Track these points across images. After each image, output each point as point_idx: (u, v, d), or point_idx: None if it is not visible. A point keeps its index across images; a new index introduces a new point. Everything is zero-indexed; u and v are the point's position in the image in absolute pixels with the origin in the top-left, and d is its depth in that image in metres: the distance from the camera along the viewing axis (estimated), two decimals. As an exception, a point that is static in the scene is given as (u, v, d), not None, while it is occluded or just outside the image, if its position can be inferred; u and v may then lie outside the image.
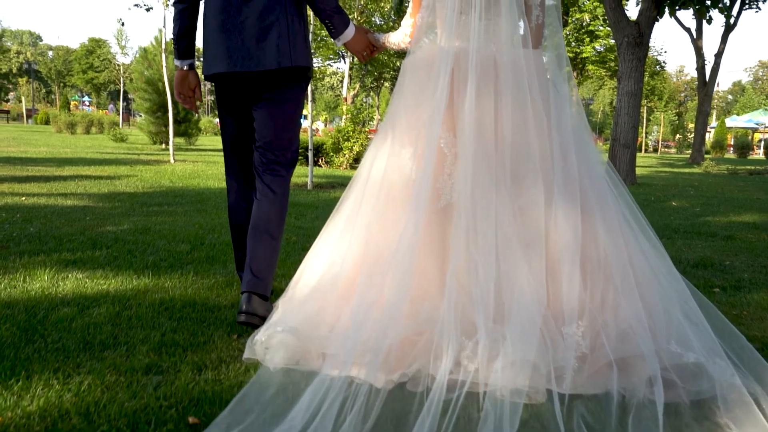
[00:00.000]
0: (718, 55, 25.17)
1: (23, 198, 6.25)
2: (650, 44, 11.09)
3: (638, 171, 11.94)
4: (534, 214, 2.21)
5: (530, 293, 2.08)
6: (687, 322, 2.14)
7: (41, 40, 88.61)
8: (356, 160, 12.46)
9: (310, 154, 8.90)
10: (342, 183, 9.35)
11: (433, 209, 2.25)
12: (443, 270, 2.18)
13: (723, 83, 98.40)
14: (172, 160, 12.39)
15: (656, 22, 10.73)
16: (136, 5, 11.65)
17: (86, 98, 76.49)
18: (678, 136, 54.06)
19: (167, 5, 11.51)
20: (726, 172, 18.33)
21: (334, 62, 35.10)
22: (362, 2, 20.07)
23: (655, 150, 46.53)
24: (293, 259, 3.85)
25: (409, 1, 2.58)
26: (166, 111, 14.81)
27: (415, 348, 2.02)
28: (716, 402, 1.89)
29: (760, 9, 23.82)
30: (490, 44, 2.30)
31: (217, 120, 8.86)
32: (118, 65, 55.10)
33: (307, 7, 2.72)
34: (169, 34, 12.07)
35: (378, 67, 36.38)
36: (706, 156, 26.35)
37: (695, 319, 2.16)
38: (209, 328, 2.52)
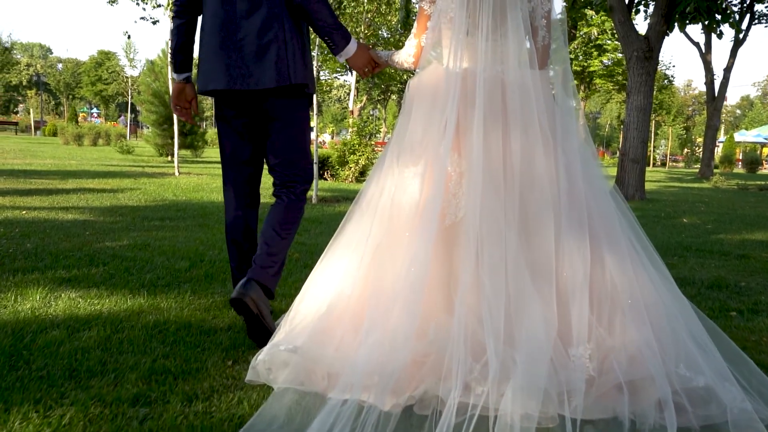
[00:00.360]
0: (727, 70, 25.03)
1: (24, 212, 6.17)
2: (659, 58, 10.97)
3: (647, 186, 11.79)
4: (541, 237, 2.18)
5: (540, 317, 2.04)
6: (695, 346, 2.11)
7: (51, 53, 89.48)
8: (362, 173, 12.38)
9: (315, 167, 8.81)
10: (347, 197, 9.24)
11: (440, 228, 2.22)
12: (448, 287, 2.15)
13: (731, 98, 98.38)
14: (176, 173, 12.34)
15: (666, 37, 10.64)
16: (142, 18, 11.64)
17: (95, 110, 77.02)
18: (686, 150, 53.85)
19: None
20: (736, 188, 18.14)
21: (341, 75, 35.17)
22: (369, 16, 20.07)
23: (663, 164, 46.34)
24: (295, 278, 3.74)
25: (415, 15, 2.53)
26: (172, 123, 14.78)
27: (421, 370, 1.99)
28: (726, 427, 1.86)
29: (768, 24, 23.62)
30: (496, 65, 2.28)
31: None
32: (127, 77, 55.42)
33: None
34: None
35: (385, 79, 36.41)
36: (715, 171, 26.15)
37: (703, 343, 2.14)
38: (203, 354, 2.41)
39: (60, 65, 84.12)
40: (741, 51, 24.26)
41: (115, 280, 3.54)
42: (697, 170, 29.28)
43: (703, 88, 24.79)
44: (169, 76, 12.89)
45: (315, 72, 9.13)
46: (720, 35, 11.67)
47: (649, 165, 36.20)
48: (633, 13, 11.46)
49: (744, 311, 3.44)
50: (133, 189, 9.07)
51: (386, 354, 1.95)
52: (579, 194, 2.24)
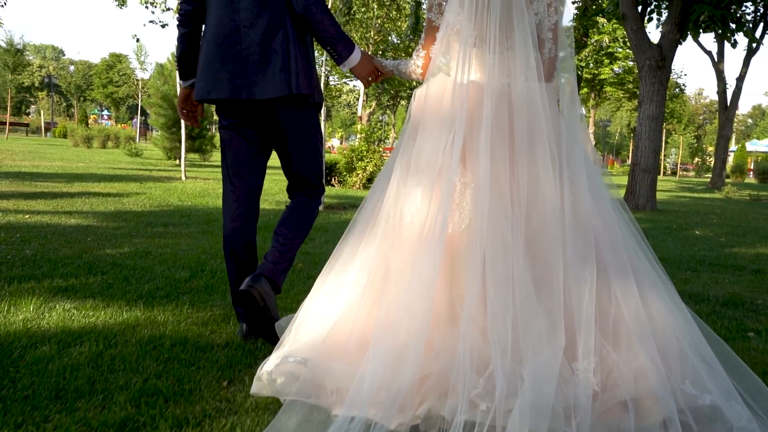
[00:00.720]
0: (740, 79, 24.81)
1: (27, 216, 6.10)
2: (671, 67, 10.83)
3: (658, 195, 11.61)
4: (547, 252, 2.14)
5: (547, 332, 2.01)
6: (701, 362, 2.08)
7: (64, 55, 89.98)
8: (369, 180, 12.29)
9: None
10: (354, 204, 9.14)
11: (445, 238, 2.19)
12: (451, 298, 2.13)
13: (743, 106, 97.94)
14: (183, 177, 12.29)
15: (679, 46, 10.50)
16: (151, 22, 11.61)
17: (105, 112, 77.42)
18: (697, 159, 53.52)
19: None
20: (748, 198, 17.93)
21: (351, 80, 35.14)
22: (379, 21, 20.02)
23: (674, 173, 46.05)
24: (297, 289, 3.65)
25: (425, 21, 2.51)
26: (181, 127, 14.74)
27: (424, 385, 1.96)
28: None
29: (784, 33, 23.39)
30: (503, 77, 2.27)
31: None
32: (137, 80, 55.63)
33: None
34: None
35: (395, 85, 36.36)
36: (726, 180, 25.89)
37: (710, 359, 2.11)
38: (197, 373, 2.31)
39: (72, 67, 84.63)
40: (753, 60, 24.12)
41: (113, 290, 3.45)
42: (708, 180, 29.03)
43: (714, 97, 24.63)
44: (177, 80, 12.85)
45: (324, 77, 9.08)
46: (734, 44, 11.49)
47: (659, 174, 36.09)
48: (645, 21, 11.32)
49: (762, 332, 3.32)
50: (139, 193, 9.00)
51: (393, 369, 1.93)
52: (584, 209, 2.22)
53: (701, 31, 10.48)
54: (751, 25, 14.53)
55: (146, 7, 11.20)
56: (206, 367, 2.37)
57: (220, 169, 2.81)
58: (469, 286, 2.09)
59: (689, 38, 11.04)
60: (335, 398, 1.99)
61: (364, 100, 23.60)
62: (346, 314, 2.22)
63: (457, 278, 2.15)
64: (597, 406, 1.94)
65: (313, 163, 2.79)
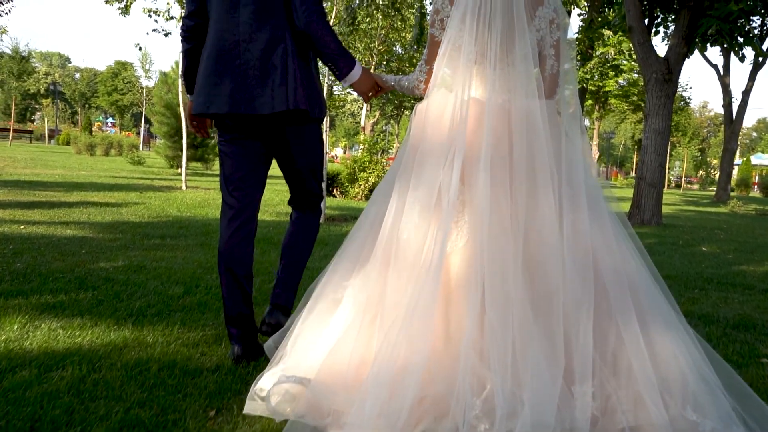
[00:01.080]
0: (746, 93, 24.71)
1: (22, 226, 6.00)
2: (678, 81, 10.73)
3: (663, 209, 11.48)
4: (546, 272, 2.13)
5: (546, 355, 2.00)
6: (703, 386, 2.05)
7: (70, 62, 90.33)
8: (371, 191, 12.17)
9: (323, 185, 8.58)
10: (356, 216, 9.02)
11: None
12: (447, 316, 2.11)
13: (747, 120, 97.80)
14: (184, 187, 12.19)
15: (686, 59, 10.39)
16: (154, 30, 11.55)
17: (110, 119, 77.64)
18: (701, 172, 53.40)
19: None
20: (753, 213, 17.79)
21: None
22: (383, 32, 19.98)
23: (678, 186, 45.90)
24: (293, 306, 3.53)
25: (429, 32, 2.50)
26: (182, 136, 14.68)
27: (421, 407, 1.94)
28: None
29: (789, 47, 23.32)
30: (503, 94, 2.26)
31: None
32: (142, 88, 55.79)
33: None
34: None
35: (399, 95, 36.33)
36: (731, 194, 25.74)
37: (712, 383, 2.08)
38: (184, 401, 2.19)
39: (77, 74, 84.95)
40: (759, 74, 24.02)
41: (103, 307, 3.34)
42: (712, 193, 28.89)
43: (719, 110, 24.52)
44: (180, 89, 12.81)
45: (327, 87, 9.00)
46: (742, 58, 11.39)
47: (664, 187, 36.03)
48: (651, 34, 11.23)
49: (776, 358, 3.19)
50: (138, 203, 8.91)
51: (393, 393, 1.91)
52: (584, 229, 2.19)
53: (708, 44, 10.38)
54: (758, 39, 14.43)
55: (149, 16, 11.16)
56: (193, 394, 2.25)
57: (221, 179, 2.77)
58: (468, 306, 2.05)
59: (695, 51, 10.93)
60: (331, 420, 1.97)
61: (367, 110, 23.54)
62: (344, 335, 2.18)
63: (455, 298, 2.12)
64: (597, 431, 1.92)
65: (313, 178, 2.80)
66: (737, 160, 43.12)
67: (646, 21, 10.94)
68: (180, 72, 3.22)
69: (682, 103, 43.21)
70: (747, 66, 22.31)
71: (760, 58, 22.67)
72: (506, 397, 1.89)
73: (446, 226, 2.13)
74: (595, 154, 45.41)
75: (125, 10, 11.04)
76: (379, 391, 1.91)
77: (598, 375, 2.04)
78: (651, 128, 10.42)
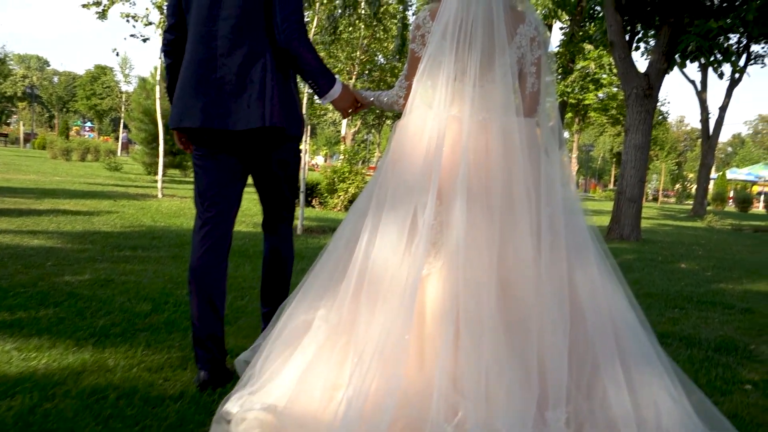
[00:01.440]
0: (723, 109, 25.01)
1: (-14, 235, 5.79)
2: (658, 96, 10.78)
3: (641, 223, 11.49)
4: (522, 295, 2.11)
5: (520, 380, 1.98)
6: (679, 412, 2.06)
7: (49, 65, 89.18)
8: (351, 202, 12.06)
9: (302, 196, 8.44)
10: (335, 228, 8.89)
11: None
12: (421, 339, 2.07)
13: (723, 135, 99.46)
14: (160, 195, 11.98)
15: (666, 75, 10.43)
16: (132, 36, 11.35)
17: (89, 124, 76.71)
18: (678, 186, 54.08)
19: (164, 37, 11.20)
20: (730, 228, 17.96)
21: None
22: (365, 41, 19.92)
23: (655, 199, 46.38)
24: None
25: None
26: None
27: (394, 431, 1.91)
28: None
29: (765, 65, 23.72)
30: (483, 112, 2.23)
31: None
32: (121, 92, 55.22)
33: None
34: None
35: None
36: (707, 208, 26.01)
37: (686, 410, 2.09)
38: (141, 434, 2.04)
39: (56, 78, 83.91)
40: (735, 90, 24.30)
41: (64, 325, 3.18)
42: (689, 206, 29.20)
43: (695, 125, 24.81)
44: (157, 96, 12.60)
45: (307, 96, 8.88)
46: (721, 75, 11.51)
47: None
48: (632, 50, 11.28)
49: (759, 383, 3.13)
50: (111, 212, 8.69)
51: (367, 420, 1.87)
52: (560, 247, 2.17)
53: (688, 61, 10.44)
54: (736, 56, 14.58)
55: (127, 21, 10.98)
56: (152, 426, 2.11)
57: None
58: (442, 332, 2.02)
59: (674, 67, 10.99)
60: None
61: (349, 120, 23.44)
62: (315, 359, 2.13)
63: (429, 322, 2.08)
64: None
65: (286, 197, 2.75)
66: (713, 174, 43.75)
67: (627, 36, 10.98)
68: (165, 85, 3.16)
69: (660, 117, 43.72)
70: (724, 82, 22.62)
71: (737, 75, 22.98)
72: (479, 423, 1.87)
73: (423, 248, 2.08)
74: (575, 166, 45.78)
75: (103, 15, 10.84)
76: (353, 416, 1.88)
77: (573, 401, 2.02)
78: (631, 143, 10.43)
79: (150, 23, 11.30)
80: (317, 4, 8.88)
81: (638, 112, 10.24)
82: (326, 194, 12.37)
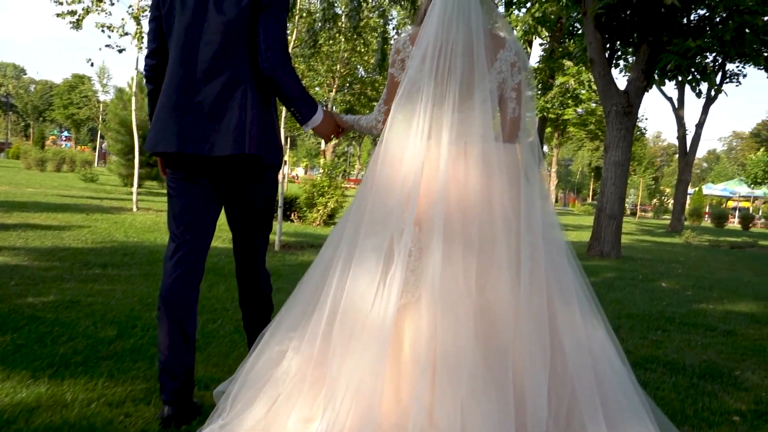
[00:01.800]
0: (699, 126, 25.36)
1: (-52, 252, 5.57)
2: (638, 114, 10.82)
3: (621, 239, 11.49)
4: (500, 323, 2.07)
5: (497, 409, 1.96)
6: None
7: (25, 74, 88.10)
8: (330, 216, 11.95)
9: (279, 211, 8.28)
10: (313, 243, 8.76)
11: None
12: (398, 373, 2.05)
13: (698, 151, 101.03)
14: (135, 209, 11.74)
15: (645, 92, 10.48)
16: (107, 46, 11.15)
17: (65, 133, 75.82)
18: (655, 200, 54.69)
19: (140, 48, 11.04)
20: (707, 244, 18.10)
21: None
22: (346, 54, 19.88)
23: (633, 214, 46.82)
24: (238, 352, 3.24)
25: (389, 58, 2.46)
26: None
27: None
28: None
29: (740, 83, 24.16)
30: (461, 137, 2.20)
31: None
32: (99, 102, 54.67)
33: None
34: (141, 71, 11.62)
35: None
36: (684, 224, 26.26)
37: None
38: (96, 482, 1.89)
39: (33, 87, 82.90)
40: (711, 107, 24.82)
41: (21, 354, 3.00)
42: (666, 221, 29.46)
43: (672, 140, 25.12)
44: (133, 107, 12.39)
45: (285, 110, 8.78)
46: (699, 94, 11.60)
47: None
48: (612, 67, 11.33)
49: (747, 414, 3.05)
50: (82, 227, 8.46)
51: None
52: (541, 280, 2.14)
53: (667, 79, 10.50)
54: (713, 74, 14.77)
55: (102, 31, 10.78)
56: (108, 472, 1.96)
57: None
58: (419, 365, 2.00)
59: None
60: None
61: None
62: (288, 390, 2.11)
63: (406, 355, 2.06)
64: None
65: (260, 227, 2.65)
66: (690, 190, 44.33)
67: (607, 54, 11.02)
68: (148, 113, 3.09)
69: (638, 133, 44.27)
70: (701, 100, 22.97)
71: (713, 93, 23.31)
72: None
73: (399, 278, 2.05)
74: (554, 181, 46.10)
75: (77, 25, 10.65)
76: None
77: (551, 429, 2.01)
78: (611, 160, 10.44)
79: (126, 33, 11.13)
80: (296, 17, 8.78)
81: (618, 129, 10.26)
82: (305, 208, 12.22)
